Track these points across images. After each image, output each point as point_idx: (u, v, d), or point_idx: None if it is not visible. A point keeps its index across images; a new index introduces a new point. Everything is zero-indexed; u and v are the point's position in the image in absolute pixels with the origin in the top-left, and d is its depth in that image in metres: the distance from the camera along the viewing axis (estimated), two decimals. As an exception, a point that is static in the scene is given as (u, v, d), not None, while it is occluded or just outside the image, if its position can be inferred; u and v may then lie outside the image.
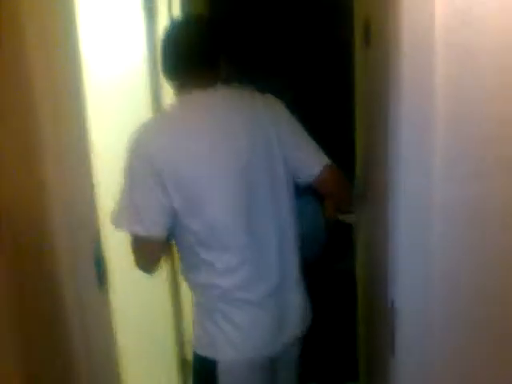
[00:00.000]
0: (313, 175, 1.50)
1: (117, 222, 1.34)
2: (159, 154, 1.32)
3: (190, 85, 1.41)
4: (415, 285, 1.03)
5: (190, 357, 1.83)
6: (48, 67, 1.17)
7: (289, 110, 1.52)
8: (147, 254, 1.40)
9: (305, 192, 1.64)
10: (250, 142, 1.40)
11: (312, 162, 1.50)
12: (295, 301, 1.56)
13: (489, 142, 0.93)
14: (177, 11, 2.02)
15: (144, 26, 1.95)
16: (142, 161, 1.32)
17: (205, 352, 1.49)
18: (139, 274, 1.46)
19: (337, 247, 1.72)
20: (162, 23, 1.96)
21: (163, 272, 2.04)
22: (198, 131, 1.37)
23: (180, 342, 2.27)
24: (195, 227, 1.37)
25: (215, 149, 1.36)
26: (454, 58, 0.90)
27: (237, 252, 1.41)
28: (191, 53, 1.41)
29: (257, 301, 1.46)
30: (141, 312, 1.84)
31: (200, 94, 1.41)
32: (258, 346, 1.48)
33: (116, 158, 1.37)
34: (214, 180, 1.36)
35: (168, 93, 1.79)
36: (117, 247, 1.41)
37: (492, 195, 0.95)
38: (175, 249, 1.52)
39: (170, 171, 1.32)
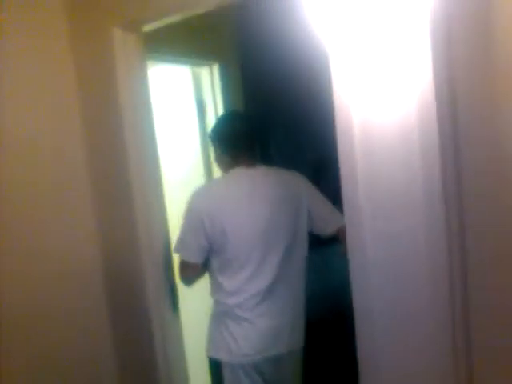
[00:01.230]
0: (333, 229, 1.92)
1: (175, 248, 1.93)
2: (204, 210, 1.85)
3: (238, 160, 1.92)
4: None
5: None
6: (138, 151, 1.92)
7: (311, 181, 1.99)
8: (187, 272, 1.93)
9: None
10: (277, 206, 1.87)
11: (331, 221, 1.93)
12: (286, 324, 1.92)
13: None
14: (220, 106, 2.78)
15: (197, 118, 2.74)
16: (193, 213, 1.87)
17: (211, 353, 1.96)
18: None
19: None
20: (210, 115, 2.75)
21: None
22: (236, 197, 1.87)
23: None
24: (218, 261, 1.89)
25: (246, 210, 1.85)
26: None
27: (245, 281, 1.86)
28: (248, 136, 1.94)
29: (250, 319, 1.87)
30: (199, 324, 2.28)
31: (242, 170, 1.92)
32: (248, 354, 1.88)
33: (180, 208, 1.98)
34: (237, 231, 1.84)
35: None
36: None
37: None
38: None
39: (210, 223, 1.83)
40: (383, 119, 1.21)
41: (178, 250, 1.92)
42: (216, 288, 1.94)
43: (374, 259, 1.26)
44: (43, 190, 1.86)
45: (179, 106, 2.77)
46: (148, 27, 1.92)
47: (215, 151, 2.01)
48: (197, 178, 2.69)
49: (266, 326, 1.90)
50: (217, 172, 2.57)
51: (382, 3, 1.15)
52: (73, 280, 1.92)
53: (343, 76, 1.24)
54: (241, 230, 1.85)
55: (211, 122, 2.73)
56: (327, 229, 1.96)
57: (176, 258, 2.00)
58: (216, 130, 2.00)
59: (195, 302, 2.17)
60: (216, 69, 2.76)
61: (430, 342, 1.24)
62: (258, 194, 1.88)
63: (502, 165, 1.14)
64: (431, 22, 1.10)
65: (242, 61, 2.87)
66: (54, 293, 1.86)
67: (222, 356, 1.92)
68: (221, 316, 1.94)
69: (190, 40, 2.49)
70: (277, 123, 2.86)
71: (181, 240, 1.89)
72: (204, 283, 2.02)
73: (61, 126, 1.93)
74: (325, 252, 2.48)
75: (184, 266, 1.91)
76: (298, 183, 1.98)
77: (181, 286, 2.07)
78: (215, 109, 2.77)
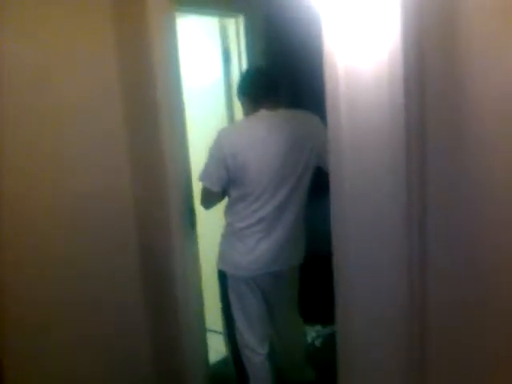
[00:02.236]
0: None
1: (199, 177, 2.20)
2: (228, 146, 2.11)
3: (261, 105, 2.17)
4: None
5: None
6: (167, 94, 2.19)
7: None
8: (208, 198, 2.21)
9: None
10: (292, 144, 2.12)
11: None
12: (288, 245, 2.18)
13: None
14: (244, 55, 3.02)
15: (222, 66, 3.00)
16: (217, 148, 2.12)
17: (219, 266, 2.27)
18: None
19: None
20: (234, 65, 3.00)
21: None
22: (257, 136, 2.12)
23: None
24: (238, 191, 2.16)
25: (265, 149, 2.10)
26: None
27: (257, 208, 2.14)
28: (269, 86, 2.22)
29: (255, 240, 2.16)
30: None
31: (264, 113, 2.17)
32: (250, 269, 2.19)
33: (203, 146, 2.26)
34: (257, 165, 2.08)
35: (237, 108, 2.81)
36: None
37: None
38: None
39: (232, 157, 2.08)
40: (361, 65, 1.47)
41: (201, 179, 2.21)
42: (232, 212, 2.22)
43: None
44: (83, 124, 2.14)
45: (206, 54, 3.01)
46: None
47: (242, 97, 2.26)
48: (220, 119, 2.97)
49: (269, 246, 2.17)
50: (238, 115, 2.85)
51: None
52: (106, 198, 2.21)
53: (331, 31, 1.49)
54: (260, 165, 2.10)
55: (235, 69, 2.99)
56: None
57: (198, 186, 2.29)
58: (245, 79, 2.30)
59: (210, 223, 2.49)
60: (241, 20, 2.97)
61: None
62: (277, 133, 2.11)
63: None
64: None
65: (266, 13, 3.04)
66: (91, 207, 2.17)
67: (227, 269, 2.24)
68: (230, 236, 2.23)
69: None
70: (298, 71, 3.05)
71: (205, 170, 2.18)
72: (219, 207, 2.34)
73: (97, 66, 2.18)
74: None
75: (205, 192, 2.21)
76: (311, 123, 2.20)
77: (199, 209, 2.37)
78: (239, 57, 3.00)
